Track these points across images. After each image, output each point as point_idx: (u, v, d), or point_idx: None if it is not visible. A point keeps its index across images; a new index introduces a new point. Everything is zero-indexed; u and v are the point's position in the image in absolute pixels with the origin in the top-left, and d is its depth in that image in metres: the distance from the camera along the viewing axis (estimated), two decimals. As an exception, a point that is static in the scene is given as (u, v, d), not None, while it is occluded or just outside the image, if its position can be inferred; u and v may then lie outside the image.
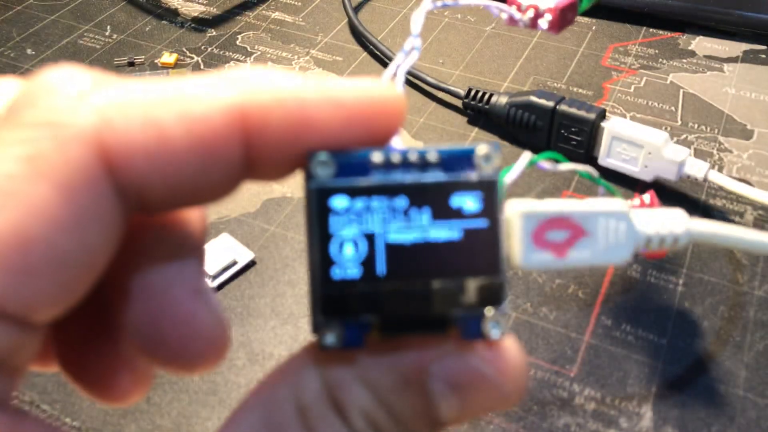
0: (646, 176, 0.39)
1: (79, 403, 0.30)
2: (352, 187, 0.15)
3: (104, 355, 0.19)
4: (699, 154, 0.42)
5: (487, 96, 0.43)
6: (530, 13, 0.29)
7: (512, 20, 0.29)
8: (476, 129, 0.44)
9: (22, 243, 0.13)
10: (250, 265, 0.36)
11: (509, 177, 0.17)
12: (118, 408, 0.30)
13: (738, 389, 0.30)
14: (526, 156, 0.18)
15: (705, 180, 0.38)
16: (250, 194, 0.40)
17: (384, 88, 0.16)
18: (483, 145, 0.16)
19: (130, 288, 0.17)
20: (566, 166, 0.19)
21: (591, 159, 0.41)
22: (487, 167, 0.16)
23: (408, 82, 0.47)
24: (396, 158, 0.16)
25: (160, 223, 0.18)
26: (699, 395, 0.30)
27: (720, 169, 0.41)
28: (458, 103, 0.45)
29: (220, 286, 0.35)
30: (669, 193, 0.40)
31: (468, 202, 0.16)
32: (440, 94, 0.46)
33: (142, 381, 0.20)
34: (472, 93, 0.44)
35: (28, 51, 0.49)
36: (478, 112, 0.44)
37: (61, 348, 0.20)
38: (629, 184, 0.40)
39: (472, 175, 0.16)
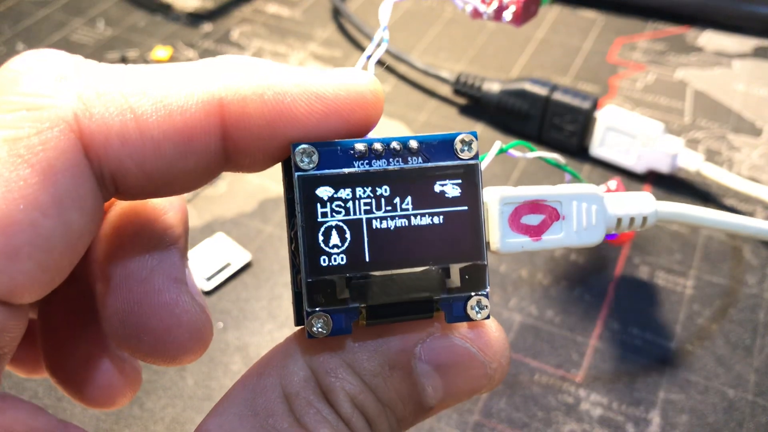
0: (639, 167, 0.39)
1: (71, 409, 0.29)
2: (337, 177, 0.16)
3: (92, 357, 0.19)
4: (708, 152, 0.41)
5: (478, 83, 0.42)
6: (494, 5, 0.29)
7: (477, 13, 0.29)
8: (471, 121, 0.43)
9: (4, 226, 0.13)
10: (246, 266, 0.35)
11: (482, 165, 0.18)
12: (111, 413, 0.29)
13: (748, 394, 0.30)
14: (497, 145, 0.19)
15: (698, 173, 0.37)
16: (246, 194, 0.39)
17: (363, 79, 0.16)
18: (462, 133, 0.16)
19: (112, 278, 0.17)
20: (534, 153, 0.20)
21: (584, 149, 0.40)
22: (467, 154, 0.16)
23: (396, 73, 0.46)
24: (378, 147, 0.16)
25: (141, 213, 0.18)
26: (708, 400, 0.30)
27: (730, 168, 0.40)
28: (452, 96, 0.44)
29: (216, 288, 0.34)
30: (682, 190, 0.39)
31: (449, 188, 0.16)
32: (432, 86, 0.45)
33: (130, 382, 0.20)
34: (462, 79, 0.43)
35: (20, 47, 0.48)
36: (469, 98, 0.43)
37: (49, 352, 0.19)
38: (622, 175, 0.39)
39: (453, 162, 0.16)
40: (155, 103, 0.14)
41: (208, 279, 0.34)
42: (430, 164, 0.16)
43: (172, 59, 0.47)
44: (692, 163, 0.37)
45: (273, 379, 0.16)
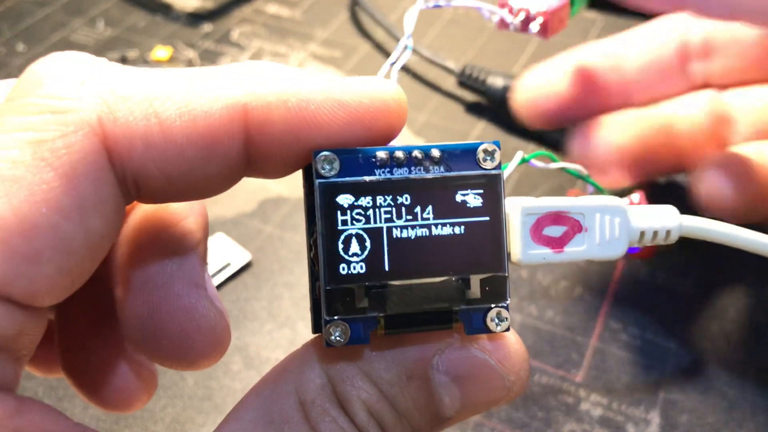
0: None
1: (71, 408, 0.29)
2: (358, 185, 0.15)
3: (109, 360, 0.19)
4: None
5: (483, 76, 0.42)
6: (521, 17, 0.29)
7: (503, 23, 0.29)
8: (477, 120, 0.43)
9: (27, 229, 0.13)
10: (246, 266, 0.35)
11: (504, 174, 0.18)
12: (111, 413, 0.29)
13: (748, 393, 0.30)
14: (519, 154, 0.18)
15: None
16: (246, 194, 0.39)
17: (387, 88, 0.16)
18: (485, 143, 0.16)
19: (132, 282, 0.17)
20: (557, 164, 0.19)
21: None
22: (489, 163, 0.16)
23: (404, 68, 0.46)
24: (400, 155, 0.16)
25: (162, 218, 0.18)
26: (708, 400, 0.30)
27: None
28: (457, 90, 0.44)
29: (216, 288, 0.34)
30: (679, 190, 0.39)
31: (471, 197, 0.16)
32: (435, 79, 0.45)
33: (146, 386, 0.20)
34: (468, 71, 0.43)
35: (20, 47, 0.48)
36: (474, 92, 0.43)
37: (66, 353, 0.19)
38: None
39: (475, 172, 0.16)
40: (180, 107, 0.14)
41: (208, 279, 0.34)
42: (451, 173, 0.16)
43: (172, 59, 0.47)
44: None
45: (289, 386, 0.16)
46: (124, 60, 0.47)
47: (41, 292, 0.14)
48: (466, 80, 0.43)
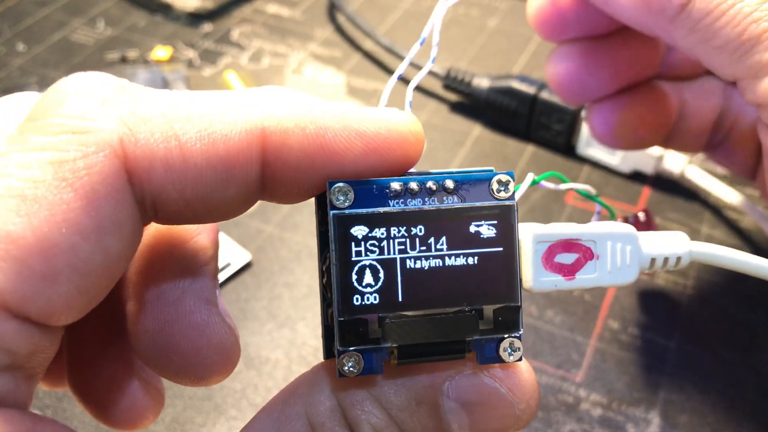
0: (624, 168, 0.39)
1: (71, 409, 0.29)
2: (372, 216, 0.15)
3: (117, 377, 0.19)
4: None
5: (468, 78, 0.42)
6: None
7: None
8: (463, 119, 0.43)
9: (45, 249, 0.13)
10: (246, 266, 0.35)
11: (515, 197, 0.18)
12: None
13: (748, 393, 0.30)
14: (530, 177, 0.18)
15: (682, 175, 0.37)
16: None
17: (404, 119, 0.16)
18: (499, 174, 0.16)
19: (144, 298, 0.18)
20: (566, 185, 0.20)
21: (570, 148, 0.40)
22: (503, 194, 0.16)
23: (388, 69, 0.46)
24: (414, 187, 0.16)
25: (174, 235, 0.18)
26: (708, 400, 0.30)
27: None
28: (442, 92, 0.44)
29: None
30: (672, 192, 0.39)
31: (484, 228, 0.16)
32: (422, 82, 0.45)
33: (153, 404, 0.20)
34: (453, 74, 0.43)
35: (20, 47, 0.48)
36: (459, 94, 0.43)
37: (74, 369, 0.19)
38: (608, 175, 0.39)
39: (489, 203, 0.16)
40: (200, 130, 0.14)
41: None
42: (465, 204, 0.16)
43: (172, 59, 0.47)
44: (676, 165, 0.38)
45: (299, 408, 0.16)
46: (124, 60, 0.47)
47: (58, 312, 0.14)
48: (451, 83, 0.43)
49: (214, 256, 0.19)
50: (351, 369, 0.15)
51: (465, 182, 0.16)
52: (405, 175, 0.16)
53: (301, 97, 0.16)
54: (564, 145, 0.40)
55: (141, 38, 0.49)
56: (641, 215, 0.34)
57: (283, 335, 0.32)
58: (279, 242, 0.36)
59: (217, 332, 0.18)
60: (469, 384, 0.16)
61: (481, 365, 0.16)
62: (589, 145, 0.40)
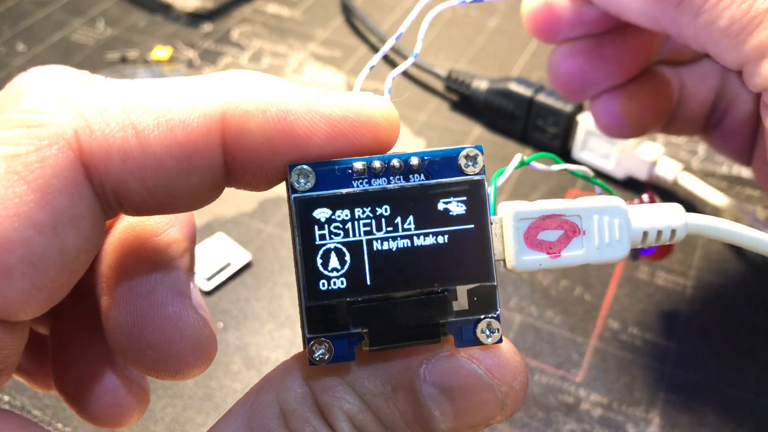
0: (619, 173, 0.39)
1: (70, 409, 0.29)
2: (334, 197, 0.15)
3: (99, 374, 0.19)
4: (690, 152, 0.41)
5: (468, 80, 0.43)
6: None
7: None
8: (465, 119, 0.43)
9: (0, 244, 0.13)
10: (246, 266, 0.35)
11: (501, 179, 0.17)
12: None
13: (748, 393, 0.30)
14: (518, 157, 0.18)
15: (675, 182, 0.37)
16: (246, 194, 0.39)
17: (375, 103, 0.15)
18: (467, 147, 0.15)
19: (116, 291, 0.17)
20: (560, 166, 0.19)
21: (566, 152, 0.40)
22: (472, 169, 0.15)
23: (384, 67, 0.46)
24: (377, 165, 0.15)
25: (146, 227, 0.18)
26: (708, 400, 0.30)
27: (711, 167, 0.40)
28: (444, 92, 0.44)
29: (216, 288, 0.34)
30: (664, 198, 0.39)
31: (453, 205, 0.15)
32: (427, 82, 0.45)
33: (138, 402, 0.20)
34: (454, 76, 0.43)
35: (20, 47, 0.48)
36: (459, 96, 0.43)
37: (58, 368, 0.19)
38: (603, 180, 0.39)
39: (457, 179, 0.15)
40: (157, 117, 0.14)
41: (208, 279, 0.34)
42: (432, 181, 0.15)
43: (172, 59, 0.47)
44: (670, 172, 0.37)
45: (270, 395, 0.16)
46: (124, 60, 0.47)
47: (15, 307, 0.13)
48: (452, 85, 0.43)
49: (189, 249, 0.18)
50: (321, 356, 0.15)
51: (431, 159, 0.15)
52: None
53: (265, 80, 0.15)
54: (560, 149, 0.40)
55: (141, 38, 0.49)
56: (645, 197, 0.33)
57: (283, 335, 0.32)
58: (279, 242, 0.36)
59: (190, 324, 0.17)
60: (446, 366, 0.15)
61: (458, 349, 0.16)
62: (584, 149, 0.40)
